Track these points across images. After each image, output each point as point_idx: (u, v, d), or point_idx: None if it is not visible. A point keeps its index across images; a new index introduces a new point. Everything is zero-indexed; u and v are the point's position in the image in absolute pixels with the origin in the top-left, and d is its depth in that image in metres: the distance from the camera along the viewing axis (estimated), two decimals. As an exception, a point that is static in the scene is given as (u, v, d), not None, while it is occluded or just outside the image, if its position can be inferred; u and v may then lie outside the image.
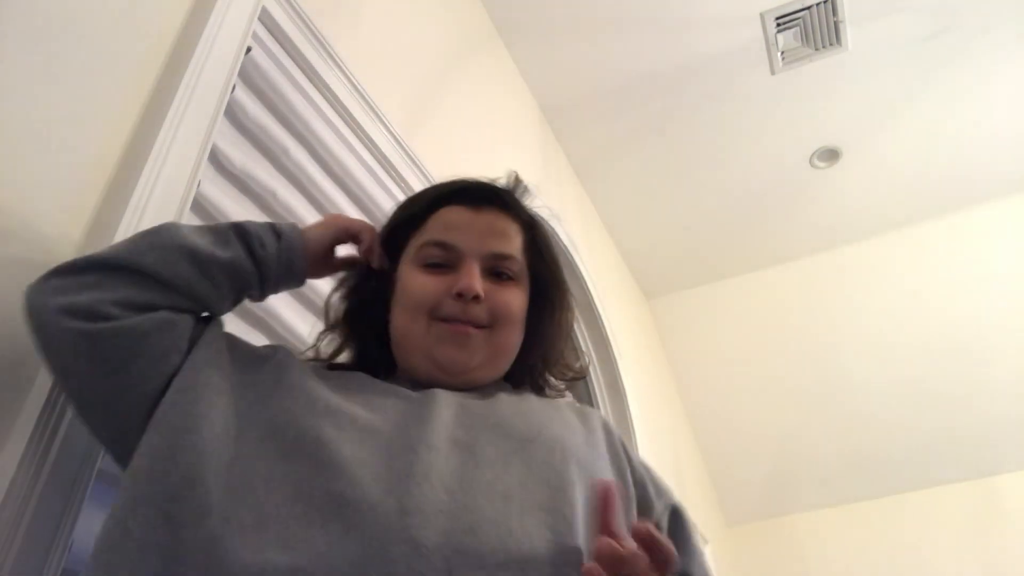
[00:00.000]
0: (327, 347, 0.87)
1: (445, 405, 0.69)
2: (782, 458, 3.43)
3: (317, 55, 1.35)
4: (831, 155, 2.83)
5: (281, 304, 1.18)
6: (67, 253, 0.83)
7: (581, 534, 0.59)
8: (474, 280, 0.77)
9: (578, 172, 2.84)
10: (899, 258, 3.14)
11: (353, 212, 1.40)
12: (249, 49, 1.19)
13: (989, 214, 3.01)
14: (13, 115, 0.81)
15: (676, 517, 0.76)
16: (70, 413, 0.77)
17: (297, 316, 1.22)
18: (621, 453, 0.77)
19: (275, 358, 0.74)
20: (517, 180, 0.92)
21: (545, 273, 0.87)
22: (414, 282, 0.80)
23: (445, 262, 0.80)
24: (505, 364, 0.81)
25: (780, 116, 2.69)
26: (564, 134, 2.70)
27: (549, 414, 0.74)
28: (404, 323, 0.80)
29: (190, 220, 1.02)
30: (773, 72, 2.52)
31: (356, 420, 0.65)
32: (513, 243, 0.84)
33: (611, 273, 3.00)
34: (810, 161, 2.85)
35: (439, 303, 0.78)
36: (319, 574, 0.52)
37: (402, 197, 1.55)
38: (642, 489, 0.75)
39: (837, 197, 3.01)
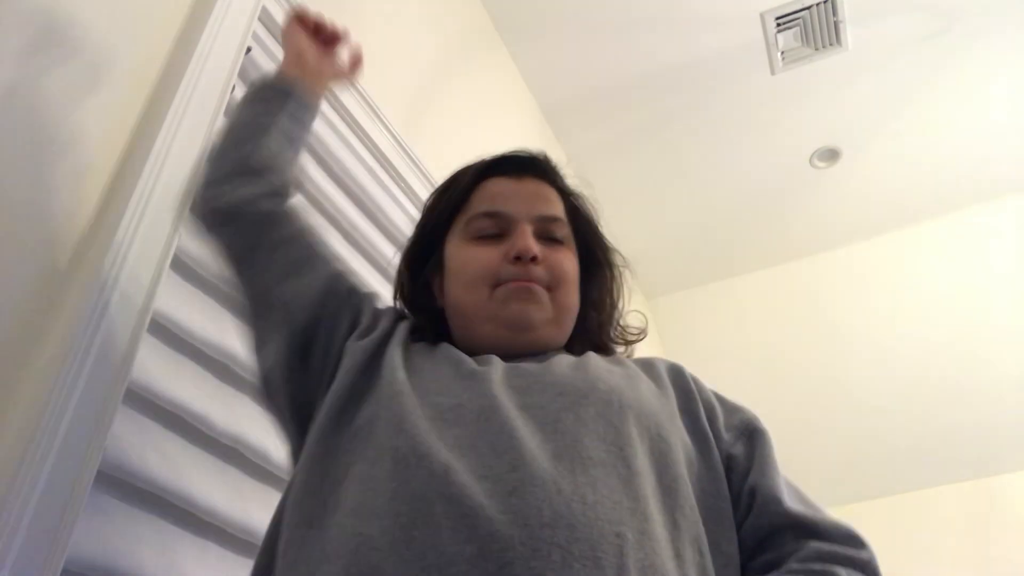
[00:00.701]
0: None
1: (496, 370, 0.68)
2: (781, 458, 3.42)
3: (317, 55, 1.35)
4: (831, 155, 2.83)
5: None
6: (68, 253, 0.84)
7: (640, 490, 0.58)
8: (530, 240, 0.78)
9: (578, 172, 2.83)
10: (899, 258, 3.13)
11: (353, 212, 1.40)
12: (249, 49, 1.19)
13: (989, 214, 3.01)
14: (13, 115, 0.81)
15: (753, 439, 0.74)
16: (70, 413, 0.77)
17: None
18: (692, 390, 0.75)
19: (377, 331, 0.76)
20: (547, 157, 0.93)
21: (589, 238, 0.88)
22: (469, 255, 0.80)
23: (497, 231, 0.80)
24: (569, 325, 0.81)
25: (780, 116, 2.68)
26: (564, 134, 2.69)
27: (609, 368, 0.72)
28: (465, 296, 0.79)
29: (189, 220, 1.02)
30: (773, 72, 2.52)
31: (439, 408, 0.64)
32: (558, 207, 0.85)
33: (611, 273, 2.99)
34: (810, 161, 2.85)
35: (498, 271, 0.77)
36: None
37: (402, 197, 1.55)
38: (714, 423, 0.73)
39: (837, 197, 3.00)
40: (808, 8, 2.31)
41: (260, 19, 1.22)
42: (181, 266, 1.01)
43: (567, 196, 0.89)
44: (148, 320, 0.90)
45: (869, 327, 3.17)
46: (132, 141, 0.94)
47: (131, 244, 0.88)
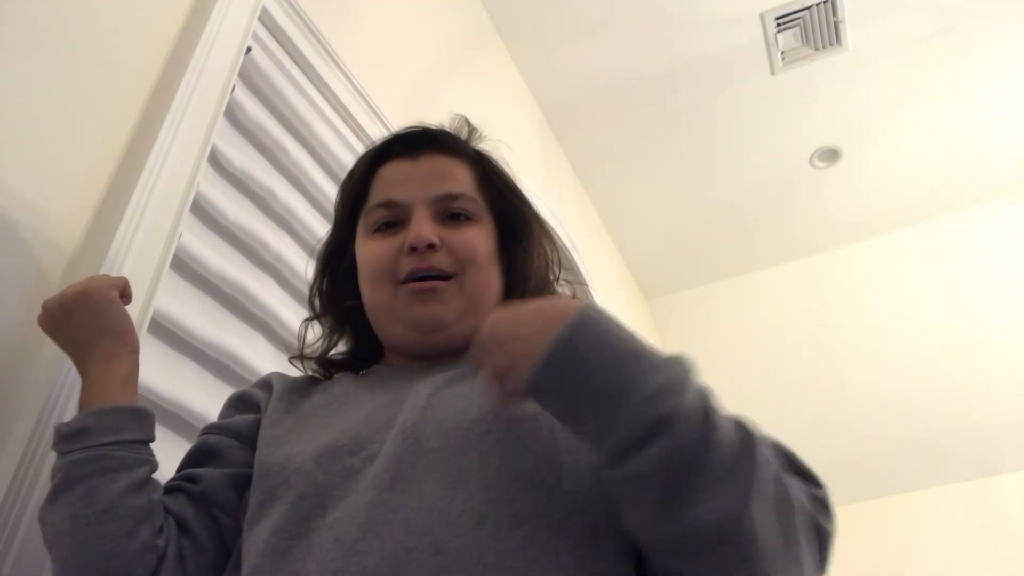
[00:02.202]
0: (319, 344, 0.83)
1: (414, 397, 0.65)
2: (782, 458, 3.42)
3: (317, 55, 1.35)
4: (831, 155, 2.83)
5: (279, 303, 1.18)
6: (68, 254, 0.84)
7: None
8: (423, 228, 0.71)
9: (578, 172, 2.83)
10: (899, 258, 3.13)
11: (353, 212, 1.40)
12: (249, 49, 1.19)
13: (988, 214, 3.01)
14: (13, 115, 0.81)
15: None
16: (71, 413, 0.77)
17: (293, 313, 1.22)
18: None
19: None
20: (465, 122, 0.87)
21: (506, 206, 0.80)
22: (367, 250, 0.76)
23: (394, 220, 0.75)
24: (486, 308, 0.71)
25: (780, 116, 2.68)
26: (564, 134, 2.69)
27: None
28: (370, 295, 0.75)
29: (189, 221, 1.02)
30: (773, 72, 2.52)
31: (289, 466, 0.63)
32: (461, 181, 0.78)
33: (611, 273, 3.00)
34: (810, 161, 2.85)
35: (396, 264, 0.72)
36: None
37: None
38: None
39: (837, 197, 3.00)
40: (808, 8, 2.32)
41: (260, 19, 1.22)
42: (181, 266, 1.01)
43: (478, 163, 0.82)
44: (148, 320, 0.90)
45: (869, 327, 3.17)
46: (132, 141, 0.94)
47: (131, 244, 0.88)
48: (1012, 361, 3.05)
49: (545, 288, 0.80)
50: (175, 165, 0.97)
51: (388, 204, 0.76)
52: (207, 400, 0.98)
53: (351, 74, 1.43)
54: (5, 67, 0.81)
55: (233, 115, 1.17)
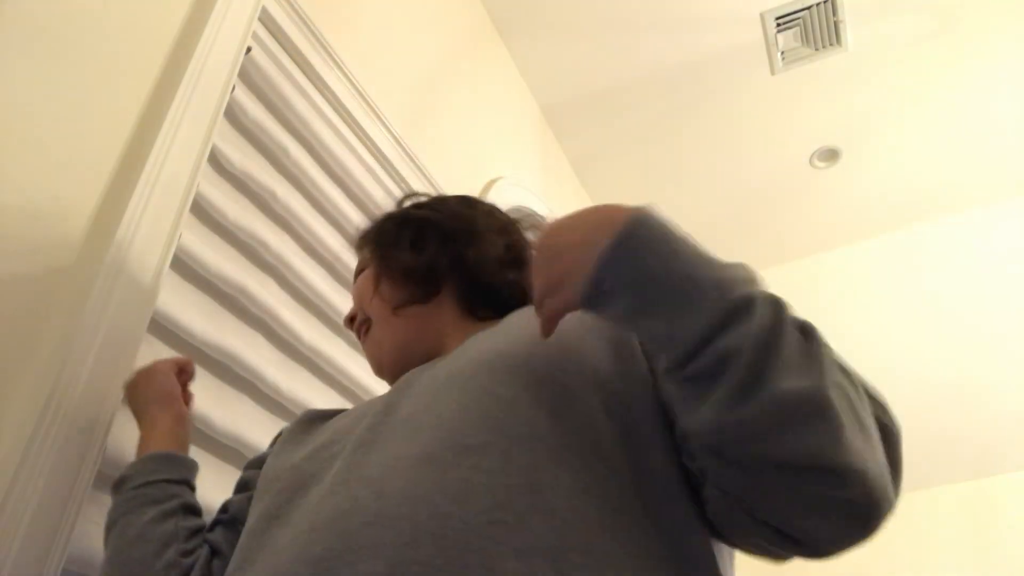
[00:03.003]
0: None
1: (407, 387, 0.68)
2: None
3: (317, 55, 1.35)
4: (831, 155, 2.83)
5: (279, 303, 1.18)
6: (68, 254, 0.84)
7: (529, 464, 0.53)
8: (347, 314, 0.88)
9: (578, 172, 2.83)
10: (899, 258, 3.13)
11: (353, 212, 1.40)
12: (249, 49, 1.19)
13: (988, 214, 3.01)
14: (13, 116, 0.81)
15: None
16: (71, 413, 0.77)
17: (293, 313, 1.22)
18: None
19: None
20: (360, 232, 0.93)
21: (387, 257, 0.85)
22: None
23: None
24: (403, 339, 0.81)
25: (780, 116, 2.68)
26: (564, 134, 2.69)
27: (513, 324, 0.69)
28: None
29: (189, 221, 1.02)
30: (773, 72, 2.52)
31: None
32: (362, 258, 0.89)
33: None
34: (810, 161, 2.85)
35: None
36: None
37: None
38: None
39: (837, 197, 3.00)
40: (808, 8, 2.31)
41: (260, 19, 1.22)
42: (181, 266, 1.01)
43: (375, 234, 0.88)
44: (148, 320, 0.90)
45: (869, 327, 3.17)
46: (132, 141, 0.94)
47: (131, 244, 0.88)
48: (1012, 361, 3.05)
49: (493, 283, 0.82)
50: (175, 165, 0.97)
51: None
52: (207, 400, 0.98)
53: (351, 74, 1.43)
54: (5, 67, 0.81)
55: (233, 115, 1.17)
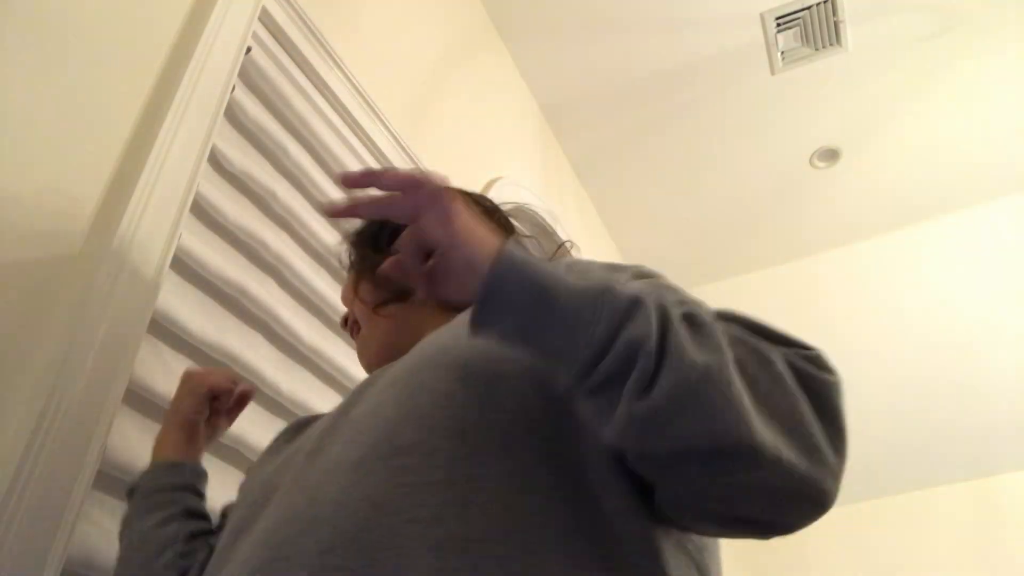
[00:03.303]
0: None
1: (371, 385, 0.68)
2: (782, 458, 3.41)
3: (317, 55, 1.35)
4: (831, 155, 2.83)
5: (279, 303, 1.18)
6: (68, 254, 0.84)
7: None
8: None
9: (578, 172, 2.83)
10: (899, 258, 3.13)
11: (353, 212, 1.40)
12: (249, 49, 1.19)
13: (988, 214, 3.01)
14: (13, 116, 0.81)
15: None
16: (71, 413, 0.77)
17: (293, 313, 1.22)
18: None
19: None
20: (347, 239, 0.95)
21: (371, 256, 0.86)
22: None
23: None
24: (384, 338, 0.83)
25: (780, 116, 2.68)
26: (564, 134, 2.69)
27: (462, 318, 0.69)
28: None
29: (189, 221, 1.02)
30: (773, 72, 2.52)
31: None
32: (349, 259, 0.91)
33: (611, 273, 2.99)
34: (810, 161, 2.85)
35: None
36: None
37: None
38: None
39: (837, 197, 3.00)
40: (808, 8, 2.31)
41: (260, 19, 1.22)
42: (181, 266, 1.01)
43: (358, 242, 0.90)
44: (148, 320, 0.90)
45: (869, 327, 3.17)
46: (132, 141, 0.94)
47: (131, 244, 0.88)
48: (1012, 361, 3.05)
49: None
50: (175, 165, 0.97)
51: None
52: (207, 400, 0.98)
53: (351, 74, 1.43)
54: (5, 67, 0.81)
55: (233, 115, 1.17)
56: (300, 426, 0.78)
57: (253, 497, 0.64)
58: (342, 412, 0.64)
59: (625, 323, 0.48)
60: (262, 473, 0.69)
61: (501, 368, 0.57)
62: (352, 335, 0.88)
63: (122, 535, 0.80)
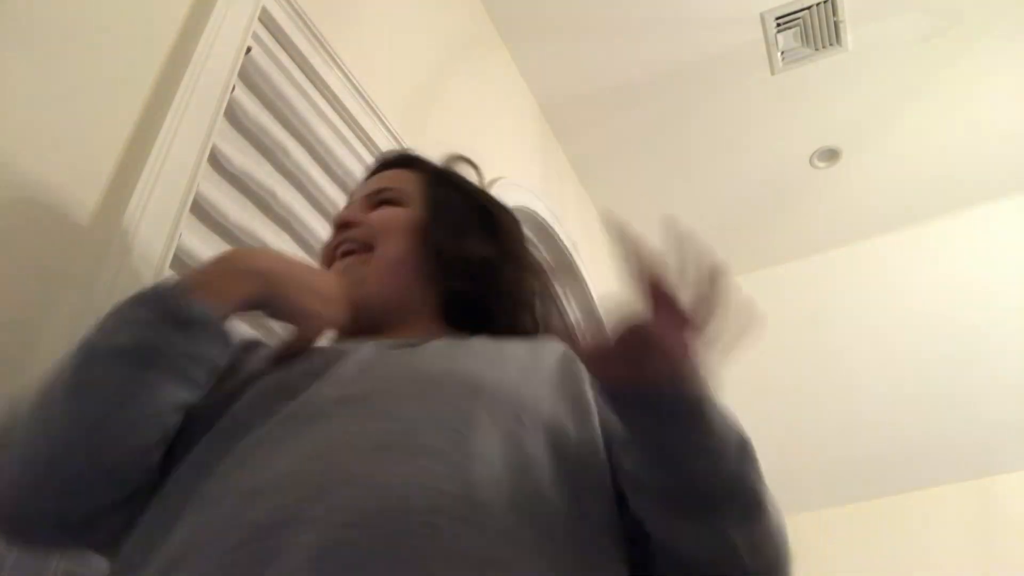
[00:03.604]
0: None
1: (354, 359, 0.65)
2: (782, 458, 3.41)
3: (317, 55, 1.35)
4: (831, 155, 2.83)
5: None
6: (68, 253, 0.84)
7: (480, 476, 0.53)
8: (345, 210, 0.87)
9: (578, 172, 2.83)
10: (899, 258, 3.13)
11: (353, 212, 1.40)
12: (249, 49, 1.19)
13: (988, 214, 3.01)
14: (13, 116, 0.81)
15: None
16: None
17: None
18: (580, 379, 0.69)
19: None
20: (399, 152, 0.96)
21: (455, 199, 0.88)
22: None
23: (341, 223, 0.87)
24: (393, 278, 0.80)
25: (780, 116, 2.68)
26: (564, 134, 2.69)
27: (480, 350, 0.69)
28: None
29: (189, 221, 1.02)
30: (773, 72, 2.52)
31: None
32: (394, 180, 0.88)
33: (611, 274, 3.00)
34: (810, 161, 2.85)
35: (332, 251, 0.84)
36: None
37: (402, 197, 1.55)
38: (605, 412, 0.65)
39: (837, 197, 3.00)
40: (808, 8, 2.32)
41: (260, 19, 1.22)
42: (181, 266, 1.01)
43: (429, 171, 0.91)
44: (148, 320, 0.90)
45: (869, 327, 3.17)
46: (132, 141, 0.94)
47: (131, 244, 0.88)
48: (1012, 361, 3.05)
49: (494, 285, 0.83)
50: (175, 165, 0.97)
51: (337, 215, 0.90)
52: (207, 400, 0.98)
53: (351, 74, 1.43)
54: (5, 67, 0.81)
55: (233, 115, 1.17)
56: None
57: (269, 403, 0.60)
58: (333, 380, 0.61)
59: (743, 457, 0.59)
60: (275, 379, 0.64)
61: (523, 415, 0.61)
62: (338, 249, 0.81)
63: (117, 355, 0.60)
